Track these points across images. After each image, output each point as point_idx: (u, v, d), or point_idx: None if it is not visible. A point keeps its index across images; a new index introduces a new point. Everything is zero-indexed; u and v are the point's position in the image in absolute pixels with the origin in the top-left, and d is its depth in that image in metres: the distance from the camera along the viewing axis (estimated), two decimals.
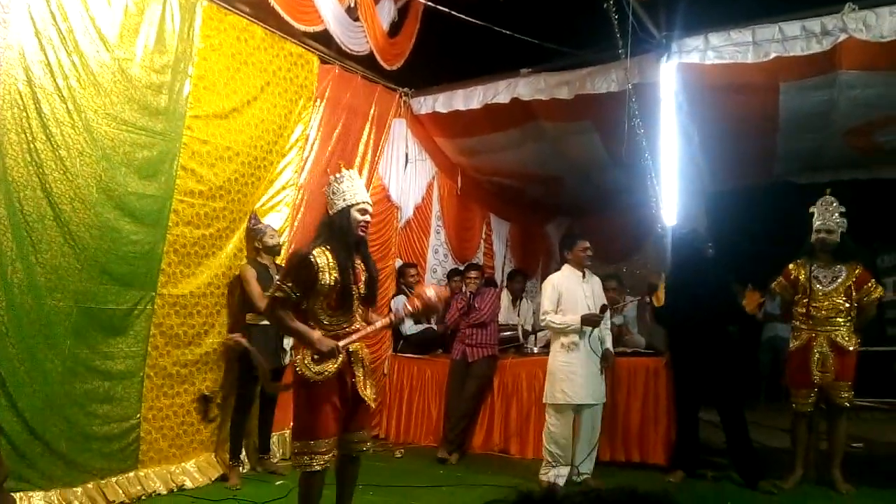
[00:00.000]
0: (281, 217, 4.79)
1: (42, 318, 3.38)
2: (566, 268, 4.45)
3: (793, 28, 4.46)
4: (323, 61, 5.09)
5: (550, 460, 4.25)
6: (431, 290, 3.05)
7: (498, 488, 4.13)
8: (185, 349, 4.14)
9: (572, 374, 4.18)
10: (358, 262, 2.93)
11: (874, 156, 6.38)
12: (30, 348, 3.32)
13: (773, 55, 4.51)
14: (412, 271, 5.97)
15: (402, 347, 5.87)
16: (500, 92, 5.56)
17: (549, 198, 8.19)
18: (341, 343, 2.80)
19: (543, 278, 4.89)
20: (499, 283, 6.60)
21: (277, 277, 2.88)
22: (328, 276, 2.78)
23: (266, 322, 4.28)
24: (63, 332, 3.48)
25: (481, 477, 4.44)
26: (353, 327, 2.89)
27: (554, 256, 8.49)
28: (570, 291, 4.32)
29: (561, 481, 4.16)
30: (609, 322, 4.53)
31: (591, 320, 4.21)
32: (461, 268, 6.16)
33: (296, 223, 4.92)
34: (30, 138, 3.31)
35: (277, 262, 4.52)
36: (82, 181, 3.53)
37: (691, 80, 4.92)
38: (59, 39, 3.40)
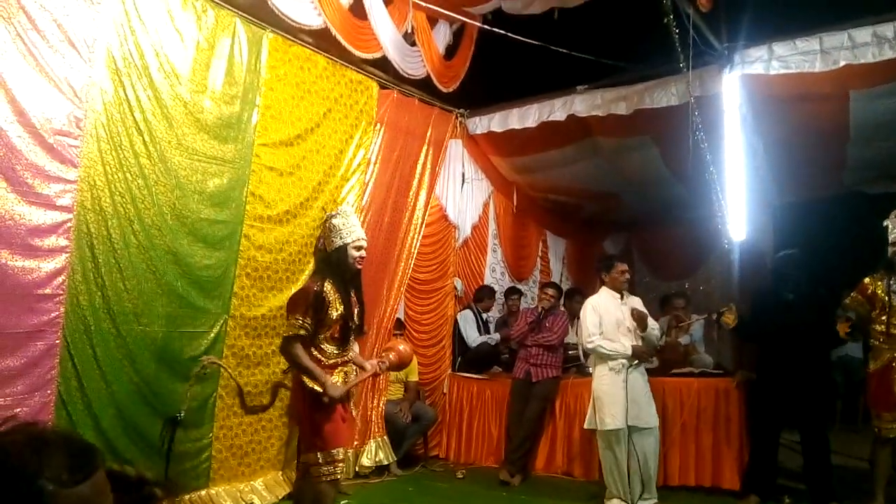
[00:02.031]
0: None
1: (130, 342, 3.54)
2: (604, 290, 4.40)
3: (863, 34, 4.30)
4: (382, 86, 5.20)
5: (611, 486, 4.15)
6: (403, 346, 3.50)
7: None
8: (254, 369, 4.26)
9: (618, 398, 4.08)
10: (351, 294, 3.17)
11: None
12: (115, 371, 3.47)
13: (842, 63, 4.35)
14: (490, 295, 6.09)
15: (459, 365, 5.87)
16: (556, 109, 5.55)
17: (606, 214, 8.08)
18: (347, 388, 3.10)
19: None
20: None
21: (292, 316, 3.02)
22: (335, 310, 3.03)
23: None
24: (149, 355, 3.64)
25: (545, 500, 4.37)
26: (348, 356, 3.19)
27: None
28: (609, 314, 4.27)
29: None
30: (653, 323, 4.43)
31: (640, 355, 4.19)
32: (518, 286, 6.13)
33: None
34: (111, 170, 3.49)
35: None
36: (158, 209, 3.70)
37: (755, 91, 4.79)
38: (136, 76, 3.59)
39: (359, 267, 3.21)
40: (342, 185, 4.86)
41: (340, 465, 3.03)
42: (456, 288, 6.00)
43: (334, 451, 2.99)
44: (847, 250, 5.79)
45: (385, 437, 5.15)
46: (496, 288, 6.59)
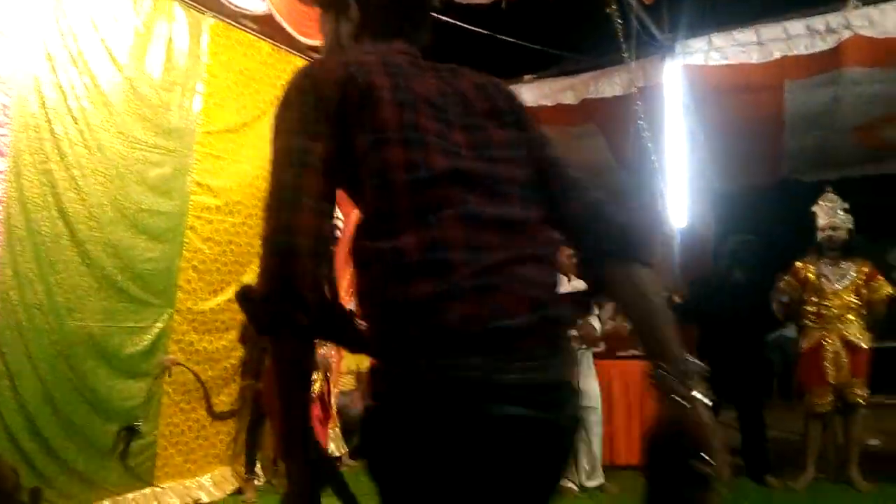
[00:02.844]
0: None
1: (63, 338, 3.41)
2: None
3: (797, 27, 4.47)
4: None
5: None
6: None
7: None
8: (205, 365, 4.17)
9: None
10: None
11: (884, 151, 6.36)
12: (52, 368, 3.35)
13: (777, 54, 4.52)
14: None
15: None
16: None
17: None
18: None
19: None
20: None
21: None
22: None
23: None
24: (84, 351, 3.51)
25: None
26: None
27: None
28: None
29: (574, 487, 4.16)
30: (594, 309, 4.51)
31: (588, 339, 4.27)
32: None
33: None
34: (43, 159, 3.35)
35: None
36: (95, 200, 3.57)
37: (696, 82, 4.93)
38: (70, 61, 3.44)
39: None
40: None
41: None
42: None
43: None
44: (783, 236, 6.04)
45: (337, 429, 5.12)
46: None
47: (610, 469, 4.58)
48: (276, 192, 1.01)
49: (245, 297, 1.03)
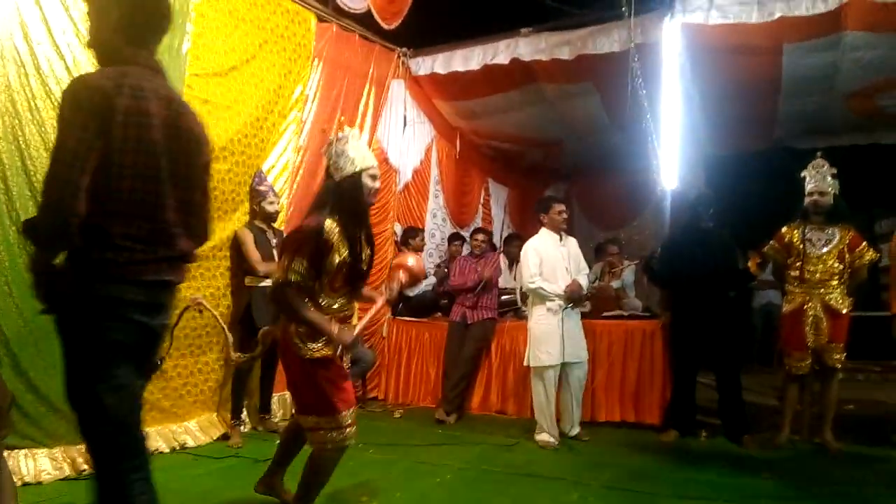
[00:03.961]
0: (281, 180, 4.76)
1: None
2: (543, 231, 4.48)
3: None
4: (320, 19, 5.00)
5: (542, 421, 4.33)
6: (412, 259, 2.95)
7: (495, 447, 4.21)
8: (193, 311, 4.16)
9: (555, 336, 4.25)
10: (361, 235, 2.62)
11: (875, 120, 6.34)
12: (33, 307, 3.29)
13: (777, 15, 4.45)
14: (420, 235, 5.97)
15: (400, 311, 5.91)
16: (500, 52, 5.48)
17: (548, 162, 8.16)
18: (358, 330, 2.66)
19: None
20: (498, 247, 6.60)
21: (285, 258, 2.46)
22: (337, 254, 2.48)
23: (266, 284, 4.30)
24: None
25: (478, 436, 4.52)
26: (352, 309, 2.68)
27: None
28: (549, 255, 4.37)
29: (555, 441, 4.25)
30: (582, 266, 4.56)
31: (574, 297, 4.30)
32: (462, 232, 6.15)
33: (294, 186, 4.90)
34: (30, 95, 3.26)
35: (276, 227, 4.52)
36: None
37: (694, 41, 4.85)
38: None
39: (372, 201, 2.73)
40: (280, 122, 4.70)
41: (349, 429, 2.56)
42: (395, 233, 5.98)
43: (342, 415, 2.52)
44: (773, 201, 6.06)
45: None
46: (437, 234, 6.61)
47: (590, 425, 4.70)
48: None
49: (31, 225, 1.75)
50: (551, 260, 4.34)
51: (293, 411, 3.51)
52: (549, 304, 4.30)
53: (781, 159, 6.56)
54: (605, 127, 6.41)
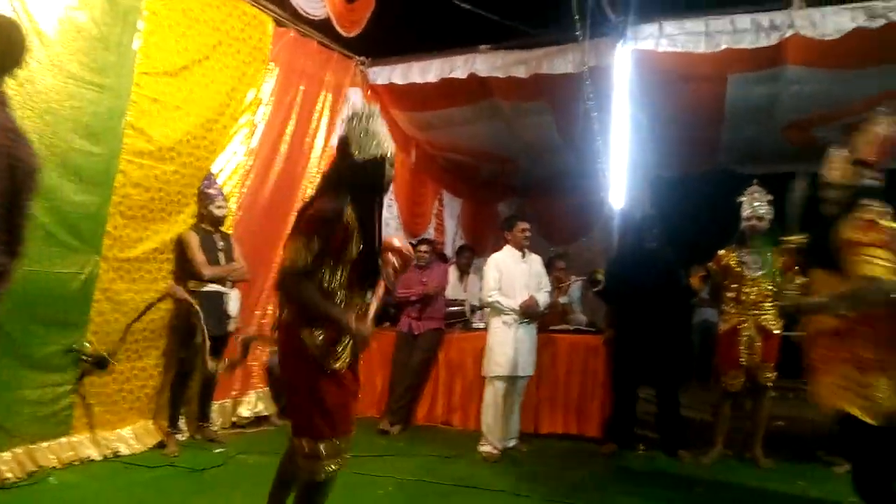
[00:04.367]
0: (230, 183, 4.68)
1: None
2: (507, 248, 4.62)
3: (743, 21, 4.59)
4: (278, 24, 4.96)
5: (487, 432, 4.38)
6: (397, 240, 2.65)
7: (437, 458, 4.22)
8: (133, 315, 4.03)
9: (508, 348, 4.35)
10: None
11: (811, 150, 6.66)
12: None
13: (723, 46, 4.63)
14: None
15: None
16: (458, 67, 5.54)
17: (503, 177, 8.27)
18: (368, 325, 2.37)
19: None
20: (448, 258, 6.64)
21: (297, 242, 2.20)
22: (356, 245, 2.23)
23: (211, 288, 4.22)
24: (5, 293, 3.32)
25: (422, 447, 4.51)
26: (364, 307, 2.39)
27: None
28: (509, 271, 4.50)
29: (497, 452, 4.31)
30: (543, 284, 4.66)
31: (529, 313, 4.40)
32: (413, 242, 6.14)
33: (244, 190, 4.82)
34: None
35: (223, 231, 4.44)
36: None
37: (645, 67, 5.01)
38: None
39: (387, 192, 2.44)
40: (231, 125, 4.63)
41: (343, 458, 2.28)
42: None
43: (340, 440, 2.25)
44: (715, 222, 6.29)
45: (266, 389, 5.09)
46: None
47: (533, 437, 4.76)
48: None
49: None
50: (511, 275, 4.46)
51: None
52: (504, 317, 4.41)
53: (724, 183, 6.81)
54: (557, 146, 6.55)
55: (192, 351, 4.24)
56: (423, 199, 7.25)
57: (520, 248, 4.57)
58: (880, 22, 4.27)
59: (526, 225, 4.61)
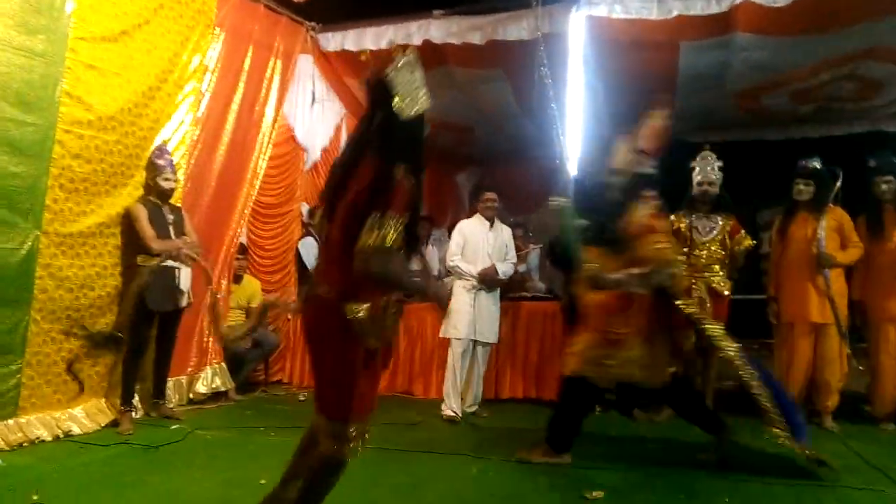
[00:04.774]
0: (178, 154, 4.52)
1: None
2: (476, 216, 4.73)
3: None
4: None
5: (447, 396, 4.47)
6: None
7: (396, 426, 4.24)
8: (77, 292, 3.90)
9: (465, 313, 4.44)
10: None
11: (761, 117, 6.83)
12: None
13: (675, 13, 4.67)
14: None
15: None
16: (413, 33, 5.44)
17: (461, 147, 8.22)
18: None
19: (453, 227, 5.01)
20: None
21: (388, 219, 1.92)
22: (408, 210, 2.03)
23: (158, 263, 4.10)
24: None
25: (382, 416, 4.50)
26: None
27: (463, 206, 8.59)
28: (474, 239, 4.60)
29: (454, 415, 4.40)
30: (509, 255, 4.73)
31: (487, 280, 4.47)
32: None
33: (192, 161, 4.67)
34: None
35: (172, 204, 4.30)
36: None
37: (598, 33, 5.01)
38: None
39: None
40: (176, 93, 4.46)
41: (367, 438, 2.20)
42: (303, 213, 5.84)
43: (366, 420, 2.18)
44: (669, 191, 6.41)
45: (223, 364, 5.02)
46: None
47: (494, 402, 4.84)
48: None
49: None
50: (475, 243, 4.57)
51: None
52: (463, 282, 4.53)
53: (677, 152, 6.93)
54: (515, 114, 6.53)
55: (144, 324, 4.14)
56: None
57: (487, 217, 4.63)
58: None
59: (491, 195, 4.71)
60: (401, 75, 2.05)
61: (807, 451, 3.12)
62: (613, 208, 2.73)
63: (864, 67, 5.50)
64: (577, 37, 4.91)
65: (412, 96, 2.03)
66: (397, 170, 2.00)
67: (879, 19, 4.60)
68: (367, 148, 2.10)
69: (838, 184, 4.23)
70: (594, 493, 2.97)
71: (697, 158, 4.46)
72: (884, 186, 4.22)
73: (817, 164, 4.31)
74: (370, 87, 2.13)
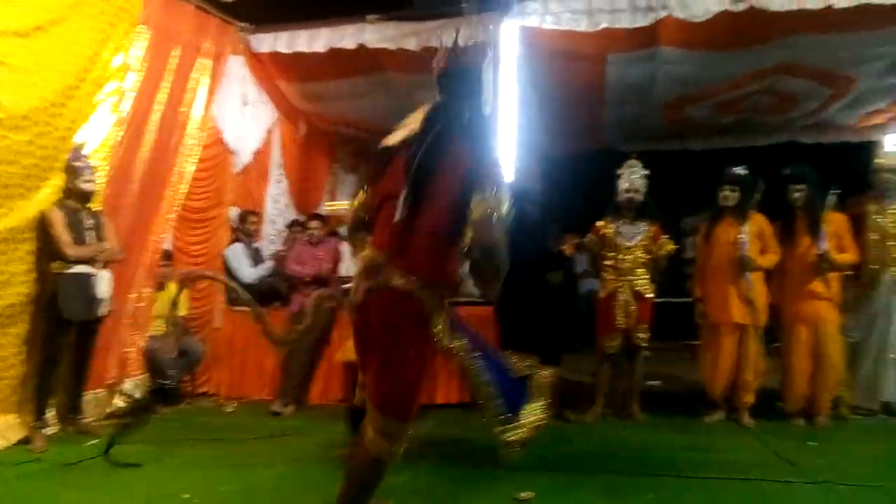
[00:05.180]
0: (98, 156, 4.32)
1: None
2: None
3: (622, 1, 4.78)
4: None
5: None
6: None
7: (332, 436, 4.17)
8: None
9: None
10: None
11: (686, 128, 7.13)
12: None
13: (603, 25, 4.81)
14: (252, 218, 5.70)
15: (235, 300, 5.61)
16: (347, 36, 5.39)
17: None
18: None
19: None
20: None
21: (496, 189, 2.01)
22: None
23: (78, 270, 3.91)
24: None
25: (316, 426, 4.45)
26: None
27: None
28: None
29: None
30: None
31: None
32: (301, 219, 5.99)
33: (114, 163, 4.47)
34: None
35: (91, 208, 4.11)
36: None
37: (531, 44, 5.11)
38: None
39: None
40: (95, 92, 4.26)
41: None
42: (231, 218, 5.68)
43: (409, 425, 2.16)
44: (599, 199, 6.61)
45: (145, 375, 4.82)
46: (280, 220, 6.40)
47: (430, 408, 4.82)
48: None
49: None
50: None
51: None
52: None
53: (607, 160, 7.15)
54: None
55: (59, 336, 3.92)
56: (314, 173, 7.08)
57: None
58: (743, 6, 4.59)
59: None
60: (486, 73, 2.18)
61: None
62: None
63: (781, 82, 5.84)
64: (510, 46, 4.99)
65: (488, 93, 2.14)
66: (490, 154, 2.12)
67: (793, 37, 4.90)
68: (457, 137, 2.16)
69: (760, 191, 4.45)
70: (524, 494, 3.01)
71: (624, 166, 4.61)
72: (796, 195, 4.46)
73: (743, 172, 4.52)
74: (458, 77, 2.24)
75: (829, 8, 4.43)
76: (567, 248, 4.71)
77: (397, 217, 2.06)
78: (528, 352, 4.83)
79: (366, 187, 2.32)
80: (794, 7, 4.49)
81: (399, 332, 2.08)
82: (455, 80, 2.24)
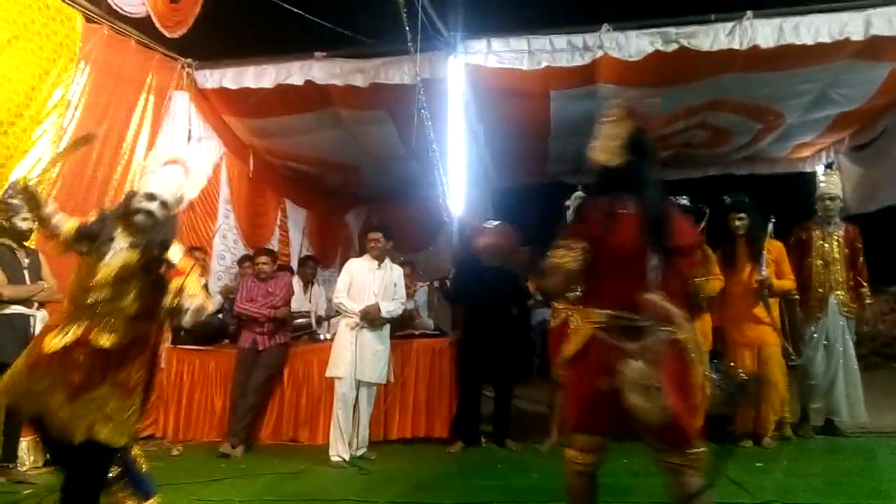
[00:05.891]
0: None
1: None
2: (366, 256, 4.75)
3: (561, 41, 4.99)
4: (88, 20, 4.55)
5: (333, 441, 4.37)
6: None
7: (280, 476, 4.06)
8: None
9: (346, 351, 4.42)
10: None
11: None
12: None
13: (544, 64, 5.00)
14: (198, 254, 5.57)
15: (181, 338, 5.45)
16: (294, 73, 5.43)
17: (348, 186, 8.23)
18: None
19: (342, 267, 4.98)
20: (292, 269, 6.46)
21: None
22: None
23: (13, 310, 3.75)
24: None
25: (266, 466, 4.32)
26: None
27: (353, 245, 8.55)
28: (359, 277, 4.62)
29: (346, 457, 4.32)
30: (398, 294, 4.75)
31: (369, 318, 4.47)
32: (251, 254, 5.90)
33: (49, 201, 4.31)
34: None
35: (28, 246, 3.95)
36: None
37: (476, 81, 5.27)
38: None
39: None
40: (33, 128, 4.15)
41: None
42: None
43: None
44: (549, 230, 6.75)
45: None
46: (228, 256, 6.28)
47: (382, 444, 4.76)
48: None
49: None
50: (361, 281, 4.59)
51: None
52: (346, 320, 4.55)
53: (554, 193, 7.34)
54: (401, 155, 6.65)
55: None
56: (263, 209, 7.01)
57: (373, 256, 4.66)
58: (674, 46, 4.85)
59: (375, 235, 4.74)
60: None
61: None
62: None
63: (712, 117, 6.15)
64: (456, 82, 5.12)
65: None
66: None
67: (722, 75, 5.19)
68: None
69: (705, 220, 4.61)
70: None
71: (571, 198, 4.72)
72: (737, 223, 4.63)
73: (686, 202, 4.67)
74: (647, 141, 2.36)
75: (754, 48, 4.74)
76: (532, 285, 4.77)
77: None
78: (483, 381, 4.91)
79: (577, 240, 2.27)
80: (723, 47, 4.78)
81: (679, 372, 2.27)
82: (646, 143, 2.41)
